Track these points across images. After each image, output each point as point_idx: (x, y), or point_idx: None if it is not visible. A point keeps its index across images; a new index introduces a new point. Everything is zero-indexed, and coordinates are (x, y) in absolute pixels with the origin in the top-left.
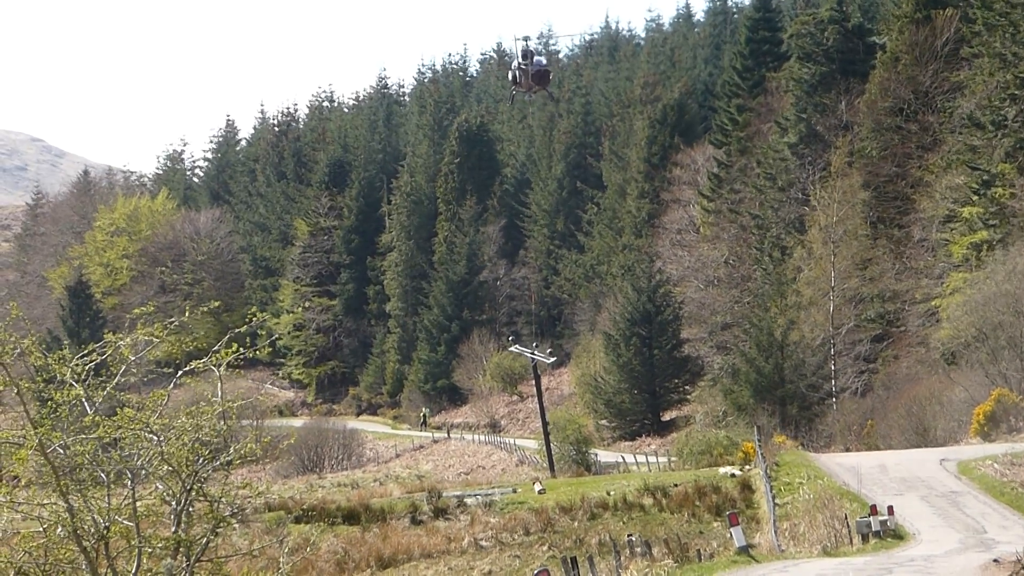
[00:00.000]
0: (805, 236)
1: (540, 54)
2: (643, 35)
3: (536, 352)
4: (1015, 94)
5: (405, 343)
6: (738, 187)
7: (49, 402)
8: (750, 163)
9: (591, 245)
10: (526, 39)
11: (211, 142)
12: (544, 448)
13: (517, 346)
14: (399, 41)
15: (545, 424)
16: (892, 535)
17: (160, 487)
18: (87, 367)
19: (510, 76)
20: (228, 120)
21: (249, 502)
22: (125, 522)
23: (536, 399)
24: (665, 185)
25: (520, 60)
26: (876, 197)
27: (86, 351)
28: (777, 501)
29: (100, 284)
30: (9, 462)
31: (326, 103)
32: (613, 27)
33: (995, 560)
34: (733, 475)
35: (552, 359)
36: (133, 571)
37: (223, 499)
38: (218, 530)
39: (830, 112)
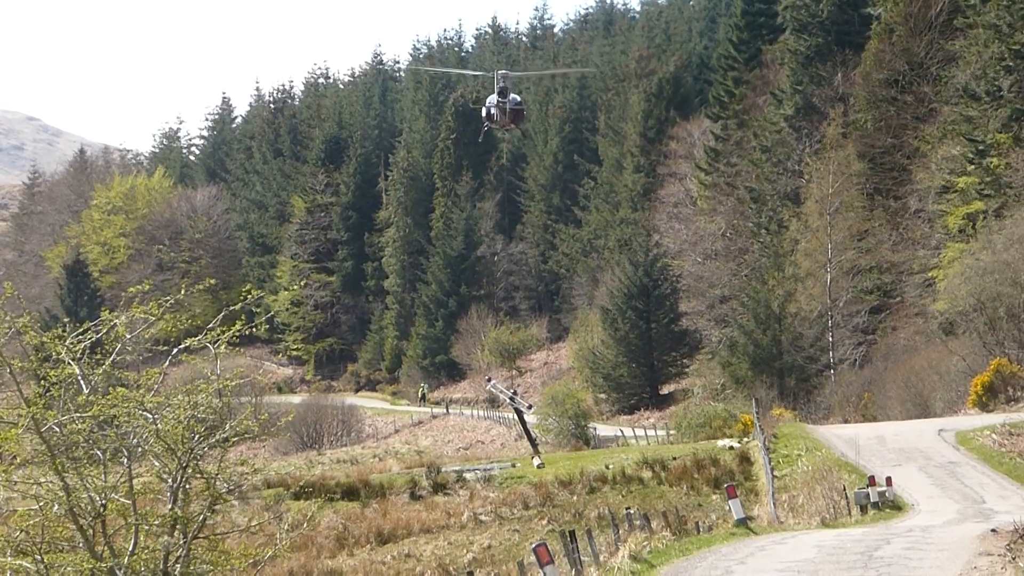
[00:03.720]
0: (801, 208)
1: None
2: (638, 9)
3: (516, 397)
4: (1010, 65)
5: (403, 319)
6: (734, 160)
7: (43, 381)
8: (746, 136)
9: (588, 219)
10: (504, 76)
11: (207, 120)
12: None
13: (495, 384)
14: (394, 17)
15: (535, 445)
16: (890, 506)
17: (156, 465)
18: (83, 346)
19: (484, 112)
20: (224, 98)
21: (246, 479)
22: (121, 500)
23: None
24: (661, 159)
25: (496, 97)
26: (872, 168)
27: (82, 329)
28: (775, 473)
29: (97, 263)
30: (4, 441)
31: (322, 80)
32: (608, 1)
33: (993, 530)
34: (731, 448)
35: (531, 410)
36: (130, 548)
37: (219, 476)
38: (215, 507)
39: (826, 84)
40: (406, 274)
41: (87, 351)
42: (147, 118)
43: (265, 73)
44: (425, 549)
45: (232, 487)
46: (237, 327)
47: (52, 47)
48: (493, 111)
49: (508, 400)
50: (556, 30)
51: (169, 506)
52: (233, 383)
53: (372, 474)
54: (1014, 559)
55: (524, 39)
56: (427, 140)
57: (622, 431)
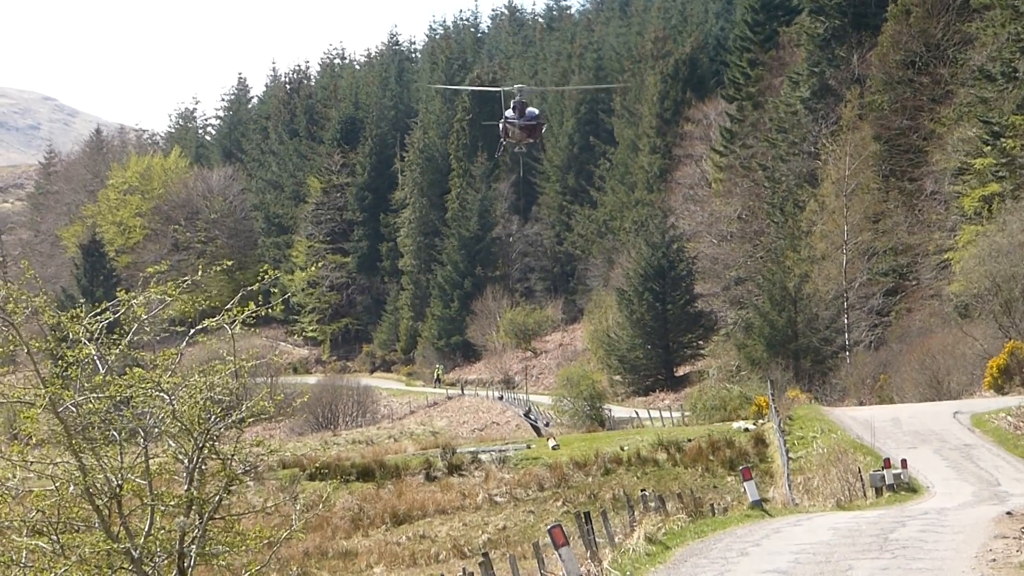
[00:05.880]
0: (818, 190)
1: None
2: None
3: (530, 414)
4: None
5: (418, 300)
6: (750, 142)
7: (60, 361)
8: (762, 118)
9: (603, 201)
10: (520, 90)
11: (223, 100)
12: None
13: (507, 401)
14: None
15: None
16: (906, 488)
17: (172, 445)
18: (100, 325)
19: (500, 127)
20: (240, 78)
21: (262, 459)
22: (138, 480)
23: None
24: (677, 140)
25: (510, 114)
26: (888, 150)
27: (99, 309)
28: (791, 455)
29: (113, 242)
30: (22, 421)
31: (338, 60)
32: None
33: (1008, 512)
34: (747, 429)
35: (548, 427)
36: (146, 529)
37: (235, 457)
38: (231, 488)
39: (842, 65)
40: (421, 255)
41: (104, 331)
42: (163, 98)
43: (281, 53)
44: (440, 530)
45: (248, 468)
46: (253, 308)
47: (69, 27)
48: (509, 128)
49: (523, 416)
50: (572, 11)
51: (185, 487)
52: (249, 364)
53: (387, 455)
54: None
55: (540, 20)
56: (443, 121)
57: (637, 413)
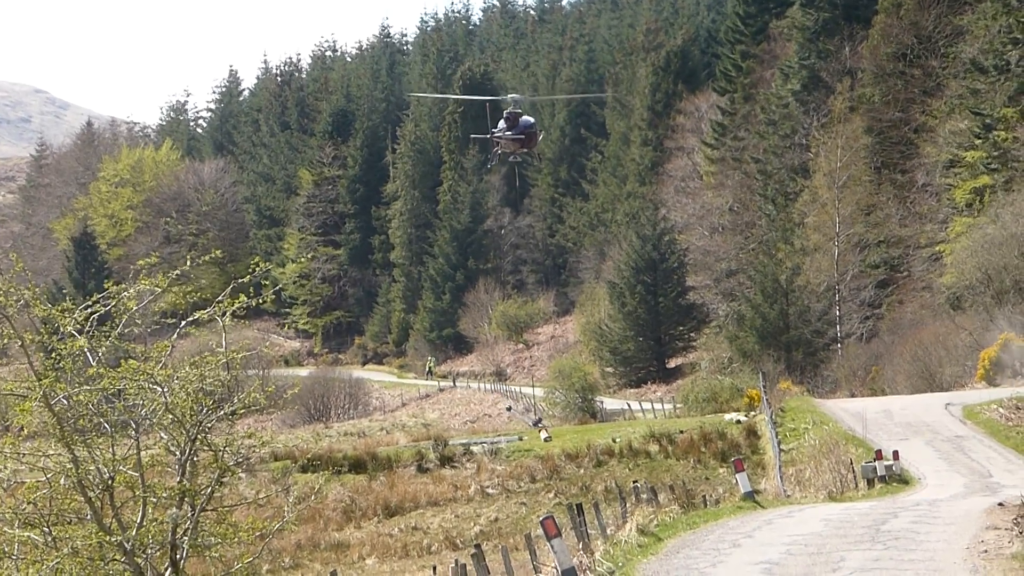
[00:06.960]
0: (809, 182)
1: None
2: None
3: (540, 422)
4: (1017, 38)
5: (410, 292)
6: (741, 134)
7: (53, 354)
8: (753, 110)
9: (595, 193)
10: (514, 101)
11: (214, 92)
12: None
13: (515, 412)
14: None
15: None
16: (897, 480)
17: (164, 437)
18: (91, 318)
19: (491, 138)
20: (231, 70)
21: (254, 451)
22: (130, 472)
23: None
24: (668, 133)
25: (502, 125)
26: (880, 143)
27: (89, 302)
28: (782, 447)
29: (105, 235)
30: (14, 413)
31: (329, 52)
32: None
33: (1000, 504)
34: (738, 421)
35: (546, 438)
36: (138, 520)
37: (227, 449)
38: (223, 479)
39: (833, 58)
40: (413, 247)
41: (95, 323)
42: (154, 91)
43: (272, 46)
44: (432, 522)
45: (240, 460)
46: (244, 300)
47: (59, 19)
48: (501, 140)
49: (531, 426)
50: (564, 3)
51: (177, 479)
52: (240, 356)
53: (379, 447)
54: (1021, 533)
55: (532, 13)
56: (435, 113)
57: (629, 404)
